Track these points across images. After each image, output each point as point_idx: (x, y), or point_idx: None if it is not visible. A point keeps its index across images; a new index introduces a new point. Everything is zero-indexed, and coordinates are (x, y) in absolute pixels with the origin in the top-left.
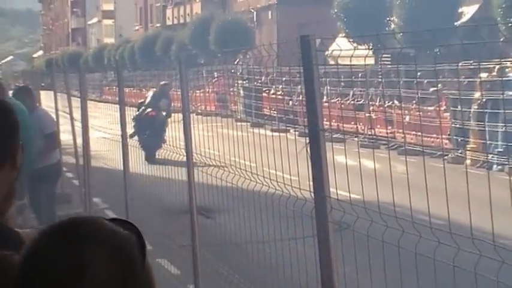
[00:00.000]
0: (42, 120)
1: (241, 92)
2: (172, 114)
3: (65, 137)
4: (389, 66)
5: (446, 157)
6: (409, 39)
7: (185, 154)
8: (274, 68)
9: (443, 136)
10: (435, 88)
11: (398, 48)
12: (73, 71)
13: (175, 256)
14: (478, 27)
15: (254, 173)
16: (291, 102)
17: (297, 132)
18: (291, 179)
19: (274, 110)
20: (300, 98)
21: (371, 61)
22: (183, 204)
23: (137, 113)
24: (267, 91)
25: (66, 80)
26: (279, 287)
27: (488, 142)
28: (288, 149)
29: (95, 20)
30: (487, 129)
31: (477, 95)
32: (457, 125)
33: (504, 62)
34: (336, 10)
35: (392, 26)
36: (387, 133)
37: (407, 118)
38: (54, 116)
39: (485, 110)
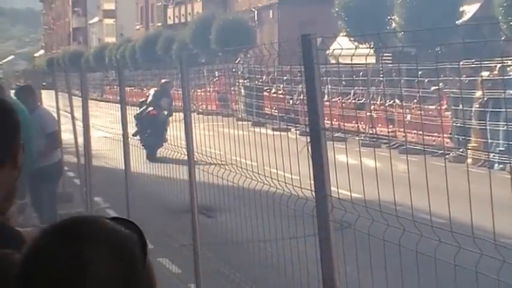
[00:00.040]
0: (43, 119)
1: (242, 91)
2: (174, 114)
3: (66, 136)
4: (391, 65)
5: (447, 156)
6: (410, 38)
7: (186, 153)
8: (275, 67)
9: (445, 135)
10: (436, 87)
11: (399, 47)
12: (74, 70)
13: (176, 255)
14: (479, 26)
15: (255, 172)
16: (291, 101)
17: (298, 131)
18: (292, 178)
19: (275, 109)
20: (301, 97)
21: (372, 60)
22: (184, 203)
23: (139, 111)
24: (268, 90)
25: (67, 79)
26: (280, 286)
27: (489, 141)
28: (289, 148)
29: (96, 19)
30: (488, 128)
31: (478, 93)
32: (458, 124)
33: (505, 61)
34: (337, 9)
35: (394, 24)
36: (388, 132)
37: (408, 117)
38: (55, 115)
39: (487, 109)
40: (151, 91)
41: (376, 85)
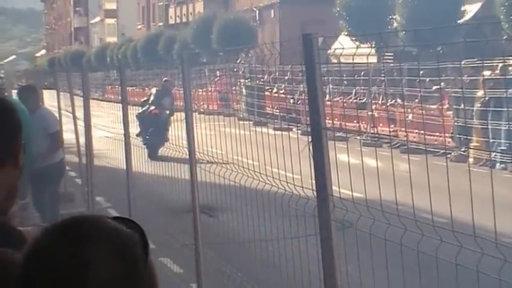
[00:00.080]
0: (46, 119)
1: (244, 90)
2: (175, 113)
3: (68, 136)
4: (392, 64)
5: (449, 155)
6: (411, 38)
7: (188, 153)
8: (277, 67)
9: (446, 134)
10: (438, 86)
11: (400, 46)
12: (76, 70)
13: (178, 255)
14: (481, 26)
15: (257, 172)
16: (292, 100)
17: (299, 131)
18: (293, 178)
19: (276, 109)
20: (303, 97)
21: (373, 59)
22: (186, 202)
23: (141, 110)
24: (270, 90)
25: (68, 79)
26: (281, 285)
27: (491, 140)
28: (291, 148)
29: (97, 19)
30: (490, 127)
31: (480, 93)
32: (460, 123)
33: (507, 60)
34: (338, 9)
35: (395, 24)
36: (390, 131)
37: (410, 116)
38: (57, 115)
39: (488, 108)
40: (153, 90)
41: (377, 84)
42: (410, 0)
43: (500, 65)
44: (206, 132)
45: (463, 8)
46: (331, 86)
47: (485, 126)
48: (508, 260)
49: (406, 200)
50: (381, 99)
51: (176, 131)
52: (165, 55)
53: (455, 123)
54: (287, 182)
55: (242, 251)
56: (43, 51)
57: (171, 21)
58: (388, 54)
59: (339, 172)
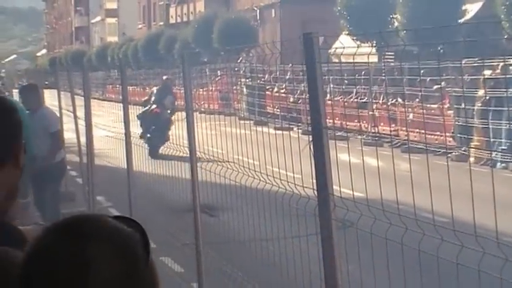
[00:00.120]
0: (47, 118)
1: (245, 90)
2: (176, 113)
3: (69, 135)
4: (393, 63)
5: (449, 155)
6: (412, 37)
7: (188, 152)
8: (277, 66)
9: (447, 134)
10: (438, 86)
11: (401, 45)
12: (76, 69)
13: (178, 254)
14: (482, 25)
15: (257, 171)
16: (292, 98)
17: (300, 130)
18: (294, 177)
19: (277, 108)
20: (303, 96)
21: (374, 59)
22: (187, 202)
23: (143, 110)
24: (270, 89)
25: (69, 78)
26: (282, 285)
27: (491, 140)
28: (291, 147)
29: (98, 18)
30: (490, 126)
31: (481, 92)
32: (461, 123)
33: (507, 59)
34: (339, 8)
35: (396, 23)
36: (391, 131)
37: (410, 116)
38: (57, 114)
39: (489, 108)
40: (154, 89)
41: (378, 84)
42: None
43: (501, 64)
44: (207, 131)
45: (463, 8)
46: (331, 86)
47: (486, 126)
48: (509, 259)
49: (407, 199)
50: (381, 98)
51: (177, 130)
52: (165, 54)
53: (456, 123)
54: (288, 182)
55: (243, 251)
56: (44, 51)
57: (172, 21)
58: (389, 53)
59: (339, 171)
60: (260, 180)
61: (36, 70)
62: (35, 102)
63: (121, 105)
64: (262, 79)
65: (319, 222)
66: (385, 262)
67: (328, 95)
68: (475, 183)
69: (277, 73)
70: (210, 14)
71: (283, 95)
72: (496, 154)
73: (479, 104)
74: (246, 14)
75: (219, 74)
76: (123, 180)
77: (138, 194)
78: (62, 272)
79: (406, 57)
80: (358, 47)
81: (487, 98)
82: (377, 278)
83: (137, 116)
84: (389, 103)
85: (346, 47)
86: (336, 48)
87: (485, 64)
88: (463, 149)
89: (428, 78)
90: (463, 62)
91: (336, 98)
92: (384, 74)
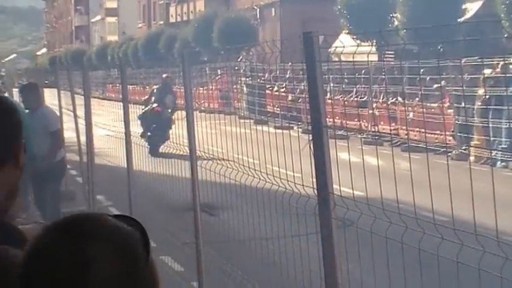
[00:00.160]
0: (47, 117)
1: (245, 89)
2: (176, 112)
3: (69, 134)
4: (393, 62)
5: (450, 154)
6: (412, 36)
7: (188, 151)
8: (278, 65)
9: (447, 133)
10: (439, 85)
11: (401, 44)
12: (76, 68)
13: (178, 253)
14: (482, 24)
15: (257, 170)
16: (290, 96)
17: (300, 129)
18: (294, 176)
19: (277, 107)
20: (303, 95)
21: (374, 58)
22: (187, 201)
23: (143, 109)
24: (270, 88)
25: (69, 77)
26: (282, 284)
27: (492, 138)
28: (291, 146)
29: (98, 17)
30: (490, 125)
31: (481, 91)
32: (461, 122)
33: (507, 58)
34: (339, 7)
35: (396, 22)
36: (390, 130)
37: (410, 115)
38: (57, 113)
39: (489, 107)
40: (154, 88)
41: (378, 83)
42: None
43: (501, 63)
44: (207, 130)
45: (463, 6)
46: (331, 84)
47: (486, 125)
48: (509, 258)
49: (407, 198)
50: (381, 97)
51: (177, 129)
52: (166, 53)
53: (456, 122)
54: (288, 181)
55: (243, 250)
56: (44, 50)
57: (172, 20)
58: (389, 52)
59: (339, 170)
60: (260, 179)
61: (36, 69)
62: (35, 102)
63: (121, 104)
64: (262, 78)
65: (319, 221)
66: (385, 261)
67: (328, 94)
68: (475, 182)
69: (277, 72)
70: (210, 13)
71: (283, 94)
72: (496, 153)
73: (479, 103)
74: (246, 13)
75: (219, 73)
76: (123, 179)
77: (138, 193)
78: (62, 271)
79: (406, 56)
80: (358, 45)
81: (487, 96)
82: (377, 277)
83: (138, 116)
84: (389, 102)
85: (346, 46)
86: (336, 47)
87: (485, 63)
88: (463, 147)
89: (428, 77)
90: (463, 61)
91: (336, 97)
92: (383, 73)
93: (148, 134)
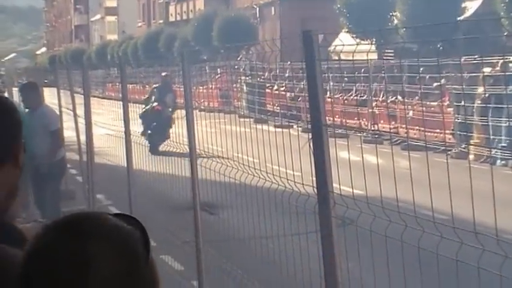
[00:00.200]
0: (47, 117)
1: (245, 88)
2: (176, 110)
3: (69, 133)
4: (392, 61)
5: (449, 152)
6: (411, 35)
7: (188, 150)
8: (277, 64)
9: (447, 131)
10: (438, 83)
11: (400, 42)
12: (76, 67)
13: (178, 252)
14: (481, 22)
15: (257, 169)
16: (288, 95)
17: (300, 128)
18: (294, 175)
19: (277, 106)
20: (303, 94)
21: (374, 56)
22: (187, 200)
23: (144, 108)
24: (270, 87)
25: (69, 76)
26: (282, 282)
27: (491, 137)
28: (291, 145)
29: (97, 16)
30: (490, 124)
31: (480, 89)
32: (460, 120)
33: (507, 57)
34: (339, 5)
35: (395, 21)
36: (390, 128)
37: (410, 113)
38: (57, 113)
39: (489, 105)
40: (154, 87)
41: (378, 81)
42: None
43: (501, 61)
44: (207, 129)
45: (463, 5)
46: (331, 83)
47: (486, 123)
48: (509, 256)
49: (406, 196)
50: (381, 96)
51: (177, 128)
52: (165, 52)
53: (456, 120)
54: (287, 179)
55: (243, 248)
56: (43, 49)
57: (172, 19)
58: (389, 51)
59: (339, 169)
60: (260, 178)
61: (36, 68)
62: (34, 101)
63: (121, 103)
64: (262, 77)
65: (319, 220)
66: (385, 259)
67: (328, 93)
68: (474, 180)
69: (277, 71)
70: (209, 12)
71: (283, 92)
72: (496, 151)
73: (479, 102)
74: (246, 12)
75: (218, 72)
76: (123, 178)
77: (138, 192)
78: (62, 270)
79: (405, 54)
80: (357, 44)
81: (487, 95)
82: (377, 276)
83: (139, 115)
84: (389, 101)
85: (346, 44)
86: (336, 45)
87: (485, 61)
88: (462, 146)
89: (428, 76)
90: (463, 60)
91: (335, 96)
92: (383, 72)
93: (149, 132)
